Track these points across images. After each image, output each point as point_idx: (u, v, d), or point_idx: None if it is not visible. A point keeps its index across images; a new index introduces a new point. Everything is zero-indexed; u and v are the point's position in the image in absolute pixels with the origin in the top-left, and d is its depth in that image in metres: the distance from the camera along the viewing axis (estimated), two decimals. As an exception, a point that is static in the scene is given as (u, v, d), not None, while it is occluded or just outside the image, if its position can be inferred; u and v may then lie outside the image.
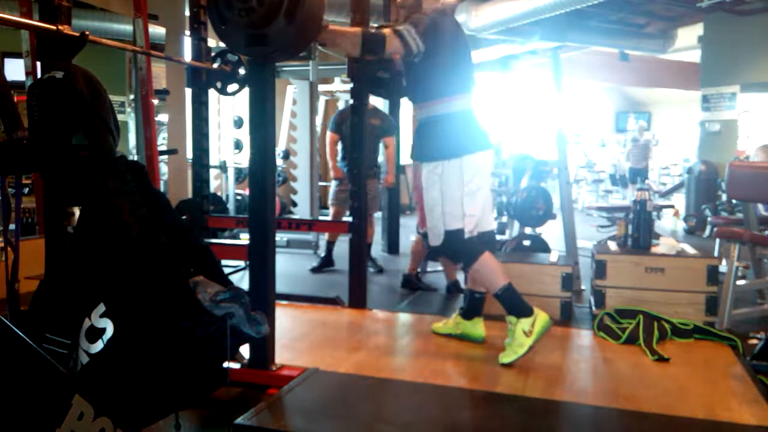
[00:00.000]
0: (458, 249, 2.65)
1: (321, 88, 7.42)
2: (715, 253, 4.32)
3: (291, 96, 7.36)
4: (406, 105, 10.09)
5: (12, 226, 2.43)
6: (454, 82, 2.62)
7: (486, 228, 2.72)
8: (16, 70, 4.37)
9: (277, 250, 2.48)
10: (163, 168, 5.85)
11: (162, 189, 5.57)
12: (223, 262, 3.52)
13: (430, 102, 2.63)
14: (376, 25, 3.35)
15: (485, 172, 2.68)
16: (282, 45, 2.11)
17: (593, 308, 3.43)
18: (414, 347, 2.83)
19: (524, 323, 2.53)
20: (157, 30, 5.59)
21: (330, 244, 5.21)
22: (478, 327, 2.83)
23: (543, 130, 11.30)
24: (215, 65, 3.26)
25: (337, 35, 2.48)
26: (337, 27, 2.51)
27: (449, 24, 2.64)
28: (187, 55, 3.54)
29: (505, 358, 2.53)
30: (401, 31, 2.49)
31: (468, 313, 2.85)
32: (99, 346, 1.54)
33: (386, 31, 2.52)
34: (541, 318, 2.54)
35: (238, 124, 7.04)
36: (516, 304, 2.56)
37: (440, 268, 5.25)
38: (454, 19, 2.71)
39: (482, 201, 2.65)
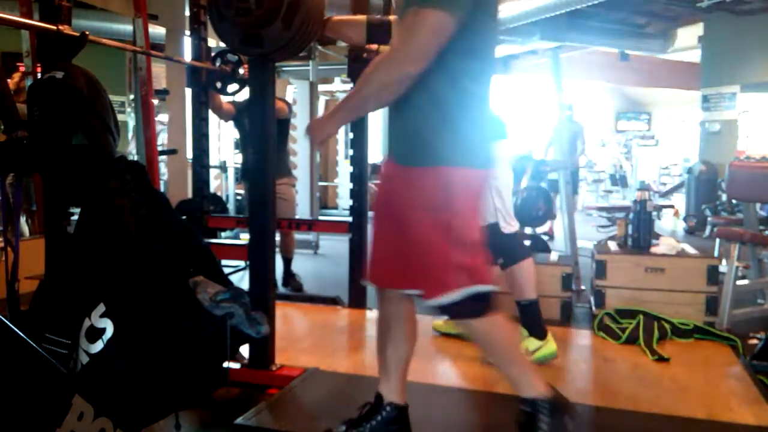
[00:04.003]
0: (499, 245, 2.56)
1: (321, 88, 7.42)
2: (715, 253, 4.32)
3: (291, 96, 7.36)
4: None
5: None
6: None
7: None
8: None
9: (277, 250, 2.48)
10: (163, 168, 5.85)
11: (162, 189, 5.57)
12: (223, 262, 3.52)
13: None
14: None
15: (506, 163, 2.62)
16: (278, 47, 2.12)
17: (593, 308, 3.43)
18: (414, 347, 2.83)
19: (531, 343, 2.52)
20: (157, 30, 5.59)
21: (287, 261, 4.38)
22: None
23: (543, 131, 11.22)
24: (215, 65, 3.26)
25: (341, 25, 2.45)
26: (340, 17, 2.49)
27: None
28: (187, 55, 3.54)
29: None
30: None
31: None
32: (99, 346, 1.54)
33: (392, 17, 2.48)
34: (548, 347, 2.53)
35: (238, 124, 7.05)
36: (534, 322, 2.55)
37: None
38: None
39: (508, 194, 2.61)
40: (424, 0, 1.41)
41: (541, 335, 2.53)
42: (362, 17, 2.57)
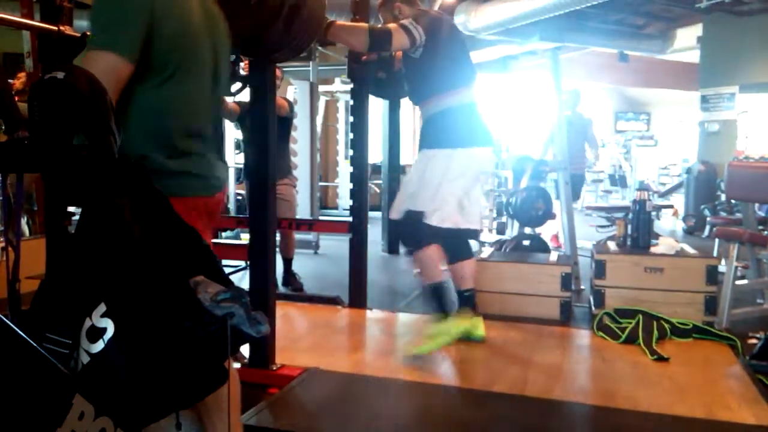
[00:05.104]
0: (411, 231, 2.71)
1: (321, 88, 7.43)
2: (715, 253, 4.32)
3: (291, 96, 7.36)
4: (405, 106, 10.10)
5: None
6: (451, 78, 2.65)
7: (466, 226, 2.73)
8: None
9: (278, 250, 2.48)
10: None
11: (162, 189, 5.56)
12: (224, 262, 3.52)
13: (430, 99, 2.67)
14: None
15: (477, 168, 2.70)
16: (278, 48, 2.12)
17: (593, 308, 3.43)
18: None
19: (447, 322, 2.66)
20: (156, 30, 5.60)
21: (288, 261, 4.37)
22: (478, 327, 2.83)
23: (542, 128, 11.25)
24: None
25: (343, 31, 2.53)
26: (342, 23, 2.55)
27: (443, 23, 2.70)
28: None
29: (419, 349, 2.61)
30: (406, 25, 2.55)
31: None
32: (100, 345, 1.54)
33: (392, 26, 2.56)
34: (461, 324, 2.67)
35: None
36: (440, 304, 2.69)
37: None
38: (449, 18, 2.79)
39: (459, 196, 2.66)
40: (92, 41, 1.32)
41: (445, 314, 2.68)
42: (364, 25, 2.61)
